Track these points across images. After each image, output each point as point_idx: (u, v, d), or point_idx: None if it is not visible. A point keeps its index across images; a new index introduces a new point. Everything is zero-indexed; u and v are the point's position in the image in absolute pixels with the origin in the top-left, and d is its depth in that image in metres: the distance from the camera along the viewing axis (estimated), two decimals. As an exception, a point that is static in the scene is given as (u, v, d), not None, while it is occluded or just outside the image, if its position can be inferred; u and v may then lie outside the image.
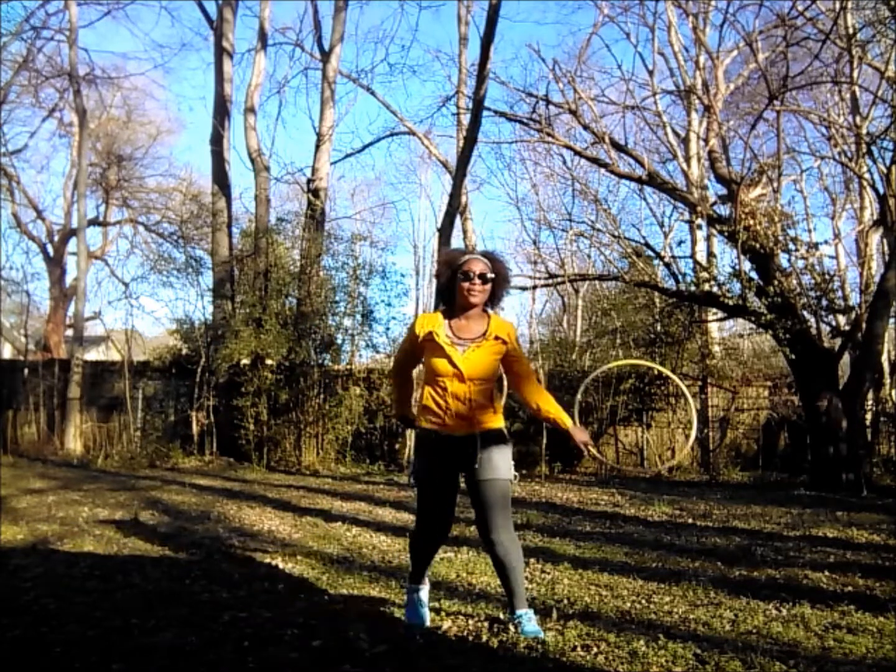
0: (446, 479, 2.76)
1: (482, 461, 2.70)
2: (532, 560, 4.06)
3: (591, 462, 10.86)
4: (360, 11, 23.75)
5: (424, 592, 2.94)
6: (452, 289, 2.78)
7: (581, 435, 2.83)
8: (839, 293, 11.15)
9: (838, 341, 9.58)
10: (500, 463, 2.74)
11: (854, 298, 12.31)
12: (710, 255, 12.48)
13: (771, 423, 10.88)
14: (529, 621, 2.71)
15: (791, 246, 9.47)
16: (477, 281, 2.71)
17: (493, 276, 2.75)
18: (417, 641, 2.63)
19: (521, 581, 2.80)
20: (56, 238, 20.14)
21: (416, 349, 2.85)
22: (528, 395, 2.86)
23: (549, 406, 2.82)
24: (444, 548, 4.32)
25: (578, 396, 3.78)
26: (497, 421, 2.79)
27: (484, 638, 2.71)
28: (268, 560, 4.06)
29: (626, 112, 11.91)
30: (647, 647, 2.57)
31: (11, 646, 2.57)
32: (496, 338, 2.75)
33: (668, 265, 10.61)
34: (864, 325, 8.64)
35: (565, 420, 2.81)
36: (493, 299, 2.82)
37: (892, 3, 8.49)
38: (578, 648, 2.57)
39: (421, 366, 2.91)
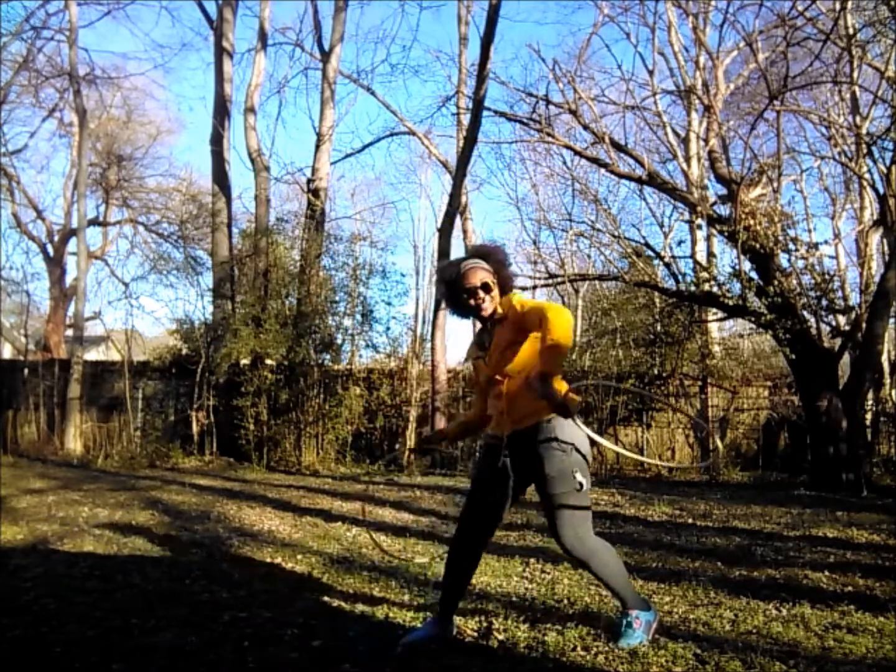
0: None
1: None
2: (532, 560, 4.07)
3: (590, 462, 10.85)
4: (360, 11, 23.91)
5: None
6: (462, 304, 2.65)
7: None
8: (839, 293, 11.14)
9: (838, 341, 9.57)
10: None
11: (854, 298, 12.30)
12: (710, 255, 12.49)
13: (771, 423, 10.88)
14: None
15: (791, 246, 9.46)
16: (481, 294, 2.59)
17: (494, 279, 2.61)
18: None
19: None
20: (56, 238, 20.14)
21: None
22: None
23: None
24: (443, 547, 4.34)
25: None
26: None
27: (484, 638, 2.71)
28: (268, 560, 4.06)
29: (626, 112, 11.94)
30: (647, 647, 2.57)
31: (11, 646, 2.58)
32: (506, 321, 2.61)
33: (668, 265, 10.61)
34: (864, 325, 8.64)
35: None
36: (504, 288, 2.67)
37: (892, 3, 8.48)
38: (578, 648, 2.57)
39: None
